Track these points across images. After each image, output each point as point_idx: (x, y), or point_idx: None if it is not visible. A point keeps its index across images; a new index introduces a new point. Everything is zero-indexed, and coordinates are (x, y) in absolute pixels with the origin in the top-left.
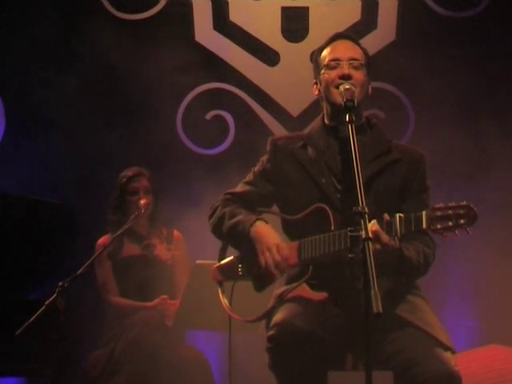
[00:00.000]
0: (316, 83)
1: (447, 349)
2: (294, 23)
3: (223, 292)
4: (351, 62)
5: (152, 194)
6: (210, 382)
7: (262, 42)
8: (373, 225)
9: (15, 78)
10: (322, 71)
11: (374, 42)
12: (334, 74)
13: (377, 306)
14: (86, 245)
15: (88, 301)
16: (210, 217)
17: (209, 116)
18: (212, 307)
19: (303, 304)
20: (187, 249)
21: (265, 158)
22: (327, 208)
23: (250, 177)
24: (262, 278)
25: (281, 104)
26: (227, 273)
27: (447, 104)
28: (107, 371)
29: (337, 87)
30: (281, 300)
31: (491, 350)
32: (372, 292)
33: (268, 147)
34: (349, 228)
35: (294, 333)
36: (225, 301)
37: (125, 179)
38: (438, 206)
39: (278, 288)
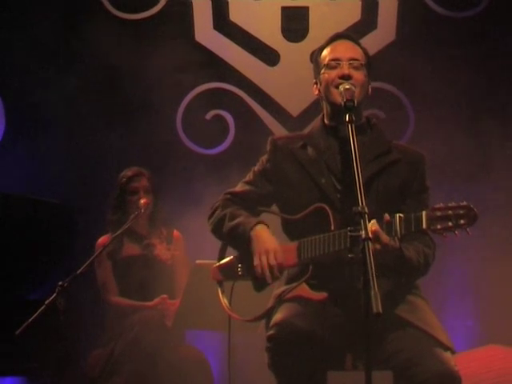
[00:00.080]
0: (316, 83)
1: (447, 349)
2: (294, 23)
3: (223, 292)
4: (351, 62)
5: (152, 194)
6: (210, 382)
7: (261, 42)
8: (372, 225)
9: (15, 78)
10: (322, 71)
11: (374, 41)
12: (334, 73)
13: (376, 305)
14: (86, 245)
15: (88, 301)
16: (210, 217)
17: (209, 116)
18: (212, 307)
19: (303, 304)
20: (187, 249)
21: (264, 157)
22: (327, 208)
23: (249, 176)
24: (255, 281)
25: (281, 104)
26: (227, 272)
27: (447, 104)
28: (107, 371)
29: (337, 87)
30: (280, 300)
31: (490, 350)
32: (372, 292)
33: (268, 147)
34: (348, 228)
35: (293, 332)
36: (224, 300)
37: (125, 179)
38: (437, 206)
39: (278, 288)
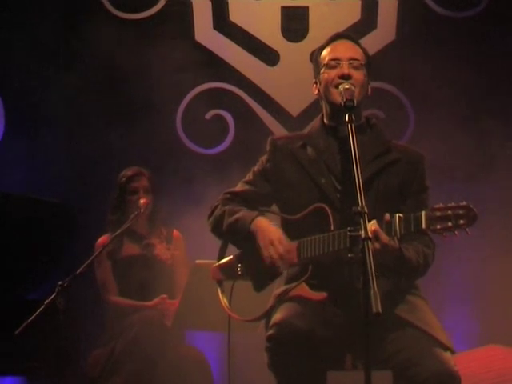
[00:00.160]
0: (316, 83)
1: (446, 349)
2: (294, 23)
3: (223, 292)
4: (351, 61)
5: (152, 194)
6: (210, 382)
7: (261, 42)
8: (372, 224)
9: (15, 78)
10: (322, 71)
11: (374, 41)
12: (333, 73)
13: (376, 305)
14: (86, 245)
15: (88, 301)
16: (210, 216)
17: (209, 115)
18: (211, 307)
19: (302, 304)
20: (187, 248)
21: (264, 157)
22: (327, 208)
23: (249, 176)
24: (266, 273)
25: (281, 104)
26: (227, 272)
27: (447, 104)
28: (107, 370)
29: (336, 87)
30: (280, 300)
31: (490, 350)
32: (371, 292)
33: (267, 147)
34: (348, 228)
35: (293, 332)
36: (224, 300)
37: (124, 179)
38: (437, 206)
39: (278, 288)
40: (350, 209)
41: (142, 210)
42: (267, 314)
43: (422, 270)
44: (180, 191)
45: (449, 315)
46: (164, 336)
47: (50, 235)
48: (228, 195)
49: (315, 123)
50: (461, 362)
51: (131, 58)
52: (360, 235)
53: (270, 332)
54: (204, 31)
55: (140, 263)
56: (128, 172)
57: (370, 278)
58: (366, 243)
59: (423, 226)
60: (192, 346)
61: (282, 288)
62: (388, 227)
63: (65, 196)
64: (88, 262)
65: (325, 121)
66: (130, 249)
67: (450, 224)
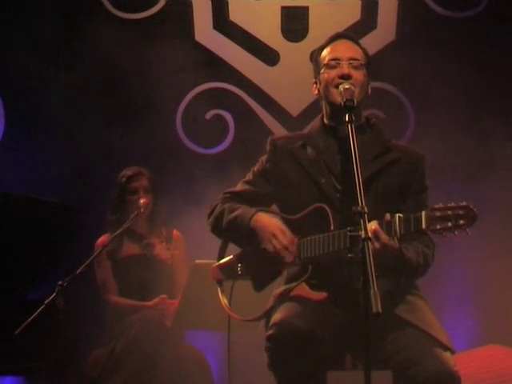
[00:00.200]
0: (316, 83)
1: (446, 349)
2: (294, 23)
3: (223, 291)
4: (351, 61)
5: (152, 194)
6: (210, 382)
7: (261, 42)
8: (372, 224)
9: (15, 78)
10: (322, 71)
11: (374, 41)
12: (333, 73)
13: (376, 305)
14: (86, 245)
15: (88, 301)
16: (209, 215)
17: (209, 115)
18: (211, 307)
19: (302, 304)
20: (187, 248)
21: (264, 157)
22: (327, 208)
23: (249, 176)
24: (266, 273)
25: (281, 104)
26: (227, 272)
27: (447, 104)
28: (107, 370)
29: (336, 87)
30: (280, 299)
31: (490, 350)
32: (371, 292)
33: (267, 147)
34: (348, 228)
35: (292, 332)
36: (224, 300)
37: (124, 179)
38: (437, 206)
39: (278, 288)
40: (349, 209)
41: (141, 210)
42: (267, 314)
43: (422, 270)
44: (180, 191)
45: (449, 315)
46: (164, 336)
47: (50, 235)
48: (228, 195)
49: (315, 123)
50: (461, 361)
51: (131, 58)
52: (360, 235)
53: (270, 332)
54: (204, 31)
55: (140, 263)
56: (128, 172)
57: (370, 278)
58: (366, 243)
59: (423, 226)
60: (192, 345)
61: (282, 288)
62: (388, 227)
63: (65, 196)
64: (88, 261)
65: (325, 121)
66: (130, 249)
67: (449, 224)
